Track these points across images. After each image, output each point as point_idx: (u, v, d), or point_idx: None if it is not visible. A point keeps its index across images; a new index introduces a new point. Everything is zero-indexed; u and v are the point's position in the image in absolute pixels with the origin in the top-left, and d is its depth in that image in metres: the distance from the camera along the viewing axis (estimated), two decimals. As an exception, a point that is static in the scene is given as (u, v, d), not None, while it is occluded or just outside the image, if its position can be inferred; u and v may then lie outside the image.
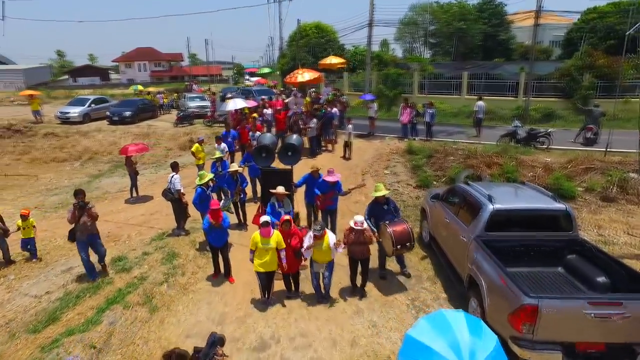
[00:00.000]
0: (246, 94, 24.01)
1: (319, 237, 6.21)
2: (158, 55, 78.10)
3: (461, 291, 6.47)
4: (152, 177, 14.89)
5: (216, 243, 7.31)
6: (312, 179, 8.75)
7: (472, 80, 23.29)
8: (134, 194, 12.44)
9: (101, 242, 7.57)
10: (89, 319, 6.16)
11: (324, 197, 8.43)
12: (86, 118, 23.41)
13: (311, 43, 35.89)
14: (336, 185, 8.41)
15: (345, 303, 6.80)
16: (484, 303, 5.26)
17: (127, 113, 22.96)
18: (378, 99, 25.71)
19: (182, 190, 9.35)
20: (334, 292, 6.97)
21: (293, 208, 9.17)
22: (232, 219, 10.15)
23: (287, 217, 6.64)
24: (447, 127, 18.65)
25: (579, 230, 6.19)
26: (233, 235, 9.41)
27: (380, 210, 7.29)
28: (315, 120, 14.14)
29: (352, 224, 6.47)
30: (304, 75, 14.50)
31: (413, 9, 49.04)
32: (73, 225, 7.15)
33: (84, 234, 7.08)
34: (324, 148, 15.64)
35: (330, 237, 6.35)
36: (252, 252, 6.41)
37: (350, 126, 14.14)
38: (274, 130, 16.01)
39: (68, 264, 8.26)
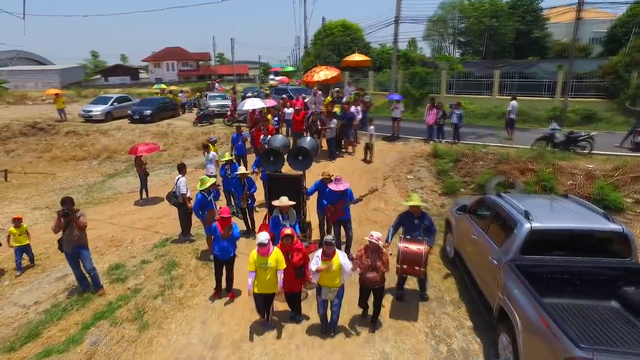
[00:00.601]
0: (280, 92, 23.09)
1: (327, 257, 5.38)
2: (186, 55, 79.18)
3: (490, 321, 5.54)
4: (165, 178, 14.48)
5: (222, 256, 6.57)
6: (324, 187, 7.97)
7: (504, 79, 21.90)
8: (144, 196, 12.02)
9: (89, 255, 6.82)
10: (70, 337, 5.61)
11: (334, 207, 7.61)
12: (108, 116, 23.45)
13: (336, 41, 35.12)
14: (346, 193, 7.57)
15: (354, 329, 5.99)
16: (518, 344, 4.35)
17: (148, 112, 22.83)
18: (404, 99, 24.74)
19: (188, 195, 8.78)
20: (341, 317, 6.12)
21: (305, 217, 8.44)
22: (239, 225, 9.53)
23: (288, 230, 5.85)
24: (477, 129, 17.48)
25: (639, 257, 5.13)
26: (239, 243, 8.74)
27: (411, 224, 6.44)
28: (334, 120, 13.35)
29: (367, 238, 5.58)
30: (320, 74, 13.67)
31: (442, 6, 47.38)
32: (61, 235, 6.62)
33: (70, 245, 6.50)
34: (344, 150, 14.83)
35: (341, 258, 5.45)
36: (253, 274, 5.62)
37: (371, 127, 13.28)
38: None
39: (65, 270, 7.74)
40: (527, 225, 5.01)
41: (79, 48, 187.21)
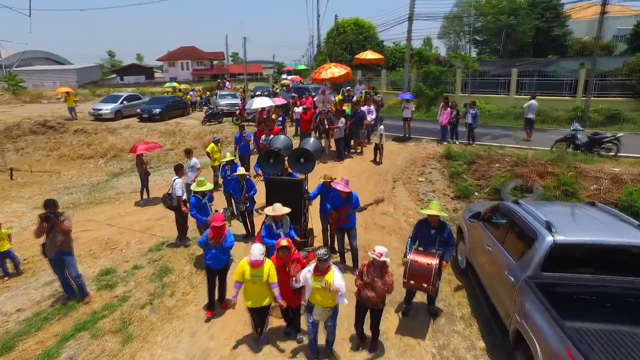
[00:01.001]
0: (300, 91, 22.58)
1: (321, 273, 4.73)
2: (200, 54, 79.57)
3: (505, 345, 4.95)
4: (169, 178, 14.07)
5: (215, 265, 6.01)
6: (326, 190, 7.45)
7: (522, 78, 21.02)
8: (145, 196, 11.69)
9: (74, 262, 6.41)
10: (46, 351, 5.21)
11: (337, 214, 7.02)
12: (118, 115, 23.37)
13: (348, 39, 34.51)
14: (350, 198, 6.97)
15: (353, 349, 5.45)
16: (538, 375, 3.77)
17: (157, 110, 22.68)
18: (417, 99, 24.02)
19: (184, 197, 8.36)
20: (338, 334, 5.57)
21: (306, 223, 7.92)
22: (238, 228, 9.11)
23: (284, 241, 5.21)
24: (492, 130, 16.72)
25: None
26: (237, 248, 8.31)
27: (427, 235, 5.77)
28: (342, 120, 12.81)
29: (370, 254, 4.90)
30: (329, 72, 13.07)
31: (458, 4, 46.35)
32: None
33: (53, 250, 6.11)
34: (352, 151, 14.28)
35: (335, 276, 4.72)
36: (238, 285, 5.14)
37: (381, 127, 12.68)
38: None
39: (54, 275, 7.44)
40: (549, 239, 4.40)
41: (98, 48, 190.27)
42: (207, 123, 21.55)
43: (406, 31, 23.28)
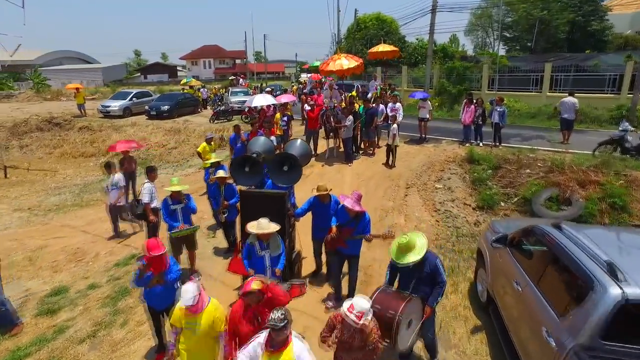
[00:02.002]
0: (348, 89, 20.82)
1: (274, 349, 3.10)
2: (222, 53, 79.73)
3: None
4: (164, 180, 13.08)
5: (159, 305, 4.63)
6: (321, 205, 6.05)
7: (557, 73, 19.04)
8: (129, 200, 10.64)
9: None
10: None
11: (339, 233, 5.42)
12: (127, 112, 22.72)
13: (369, 35, 32.98)
14: (362, 219, 5.37)
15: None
16: None
17: (165, 107, 21.86)
18: (440, 97, 22.34)
19: (153, 204, 7.21)
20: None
21: (292, 245, 6.50)
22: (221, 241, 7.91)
23: (254, 284, 3.54)
24: (522, 130, 14.95)
25: None
26: (216, 266, 7.13)
27: (404, 270, 4.28)
28: (350, 118, 11.44)
29: (344, 310, 3.29)
30: (337, 63, 11.61)
31: (487, -2, 44.11)
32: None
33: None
34: (362, 151, 12.88)
35: (298, 352, 3.11)
36: (175, 333, 3.81)
37: (394, 126, 11.21)
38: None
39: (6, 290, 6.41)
40: (615, 292, 2.93)
41: (126, 48, 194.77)
42: (216, 121, 20.54)
43: (429, 24, 21.69)
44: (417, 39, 33.99)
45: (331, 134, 12.43)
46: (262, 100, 13.59)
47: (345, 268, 5.88)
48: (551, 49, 35.92)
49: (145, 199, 7.04)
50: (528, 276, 4.16)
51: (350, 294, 5.69)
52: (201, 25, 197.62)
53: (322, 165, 11.95)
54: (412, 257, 4.01)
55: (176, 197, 6.29)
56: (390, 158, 11.51)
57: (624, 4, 34.01)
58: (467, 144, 12.71)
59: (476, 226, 8.73)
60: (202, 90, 26.85)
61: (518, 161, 10.57)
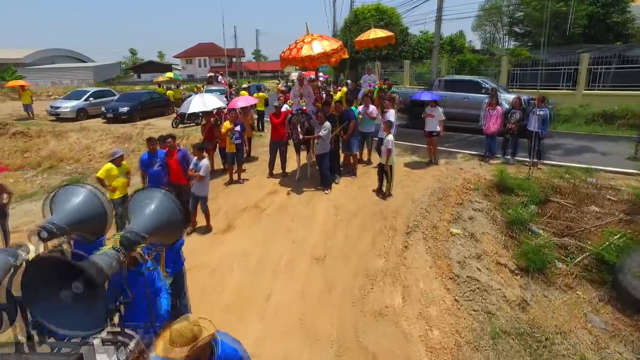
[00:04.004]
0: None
1: None
2: (218, 51, 76.81)
3: None
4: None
5: None
6: None
7: (595, 66, 15.45)
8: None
9: None
10: None
11: None
12: (81, 114, 19.31)
13: (367, 27, 29.34)
14: None
15: None
16: None
17: (124, 109, 18.43)
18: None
19: None
20: None
21: None
22: None
23: None
24: (561, 139, 11.40)
25: None
26: None
27: None
28: (327, 125, 7.95)
29: None
30: (313, 46, 7.95)
31: (497, -12, 40.48)
32: None
33: None
34: (344, 170, 9.39)
35: None
36: None
37: (389, 138, 7.67)
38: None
39: None
40: None
41: (122, 47, 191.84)
42: (180, 125, 17.09)
43: (434, 10, 18.14)
44: (420, 32, 30.45)
45: (302, 146, 8.92)
46: (198, 104, 9.94)
47: None
48: (565, 44, 32.39)
49: None
50: None
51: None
52: (201, 23, 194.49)
53: (288, 193, 8.46)
54: None
55: None
56: (384, 183, 7.99)
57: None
58: (493, 161, 9.19)
59: (523, 310, 5.23)
60: (180, 88, 23.25)
61: (575, 191, 7.06)
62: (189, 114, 16.75)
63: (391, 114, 9.10)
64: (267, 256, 6.39)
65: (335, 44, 8.11)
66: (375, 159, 9.49)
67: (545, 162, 8.85)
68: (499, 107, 8.98)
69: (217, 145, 9.92)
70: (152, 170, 7.24)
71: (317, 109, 8.57)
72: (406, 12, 25.87)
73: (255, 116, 15.46)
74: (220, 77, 23.96)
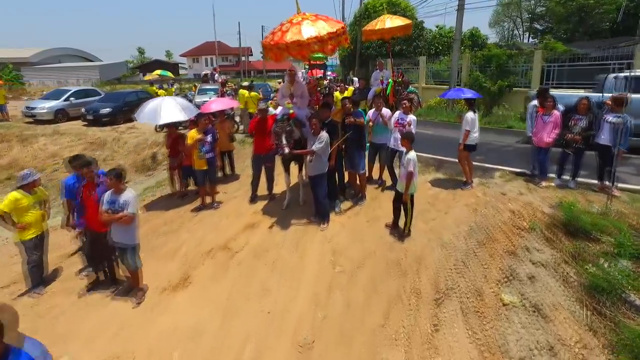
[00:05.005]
0: None
1: None
2: (226, 49, 75.46)
3: None
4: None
5: None
6: None
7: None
8: None
9: None
10: None
11: None
12: (60, 115, 17.44)
13: (378, 21, 27.04)
14: None
15: None
16: None
17: (105, 110, 16.52)
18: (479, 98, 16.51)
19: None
20: None
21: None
22: None
23: None
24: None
25: None
26: None
27: None
28: (323, 136, 5.77)
29: None
30: (303, 29, 5.74)
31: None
32: None
33: None
34: (353, 191, 7.19)
35: None
36: None
37: (411, 156, 5.39)
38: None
39: None
40: None
41: (131, 46, 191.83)
42: (165, 129, 14.86)
43: (452, 0, 15.82)
44: (436, 26, 28.03)
45: (293, 163, 6.74)
46: (150, 114, 7.32)
47: None
48: (590, 40, 29.78)
49: None
50: None
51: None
52: (210, 21, 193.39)
53: (271, 227, 6.29)
54: None
55: None
56: (402, 217, 5.77)
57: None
58: (544, 183, 6.91)
59: None
60: (172, 86, 21.25)
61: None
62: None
63: (412, 121, 6.86)
64: (227, 339, 4.23)
65: (335, 26, 5.86)
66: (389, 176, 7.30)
67: (622, 186, 6.53)
68: (556, 112, 6.70)
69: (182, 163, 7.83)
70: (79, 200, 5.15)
71: (311, 114, 6.37)
72: (421, 4, 23.43)
73: (239, 126, 13.38)
74: (216, 74, 21.86)
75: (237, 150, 10.04)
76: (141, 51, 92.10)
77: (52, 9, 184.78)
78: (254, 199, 7.46)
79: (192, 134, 7.03)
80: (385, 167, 7.49)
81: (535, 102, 7.29)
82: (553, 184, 6.86)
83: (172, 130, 7.91)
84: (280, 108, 6.58)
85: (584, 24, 30.65)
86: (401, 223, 5.82)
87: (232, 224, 6.55)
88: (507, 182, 7.34)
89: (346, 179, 7.21)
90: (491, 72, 16.13)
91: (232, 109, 9.99)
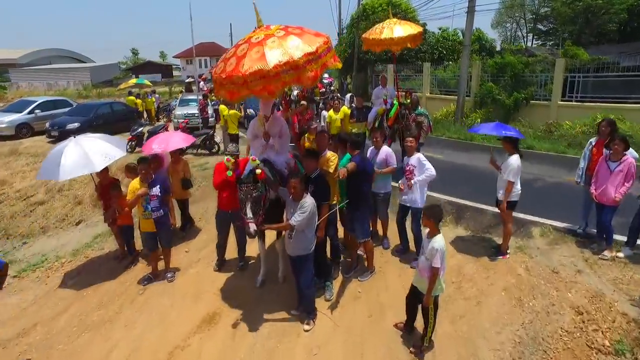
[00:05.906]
0: None
1: None
2: (220, 51, 73.48)
3: None
4: None
5: None
6: None
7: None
8: None
9: None
10: None
11: None
12: (24, 130, 15.63)
13: (378, 23, 25.24)
14: None
15: None
16: None
17: (72, 126, 14.49)
18: (483, 109, 14.73)
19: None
20: None
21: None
22: None
23: None
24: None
25: None
26: None
27: None
28: (308, 204, 3.96)
29: None
30: (256, 56, 3.49)
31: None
32: None
33: None
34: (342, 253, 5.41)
35: None
36: None
37: (437, 245, 3.57)
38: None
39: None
40: None
41: (124, 48, 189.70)
42: (138, 148, 12.62)
43: (458, 1, 14.04)
44: (439, 29, 26.24)
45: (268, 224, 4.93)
46: (49, 167, 5.20)
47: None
48: (596, 43, 28.22)
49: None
50: None
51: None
52: (206, 23, 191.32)
53: (235, 326, 4.47)
54: None
55: None
56: (418, 319, 3.99)
57: None
58: (608, 253, 5.12)
59: None
60: (152, 96, 19.32)
61: None
62: (150, 133, 12.73)
63: (428, 170, 5.04)
64: None
65: (314, 42, 3.94)
66: (393, 232, 5.54)
67: None
68: (628, 156, 4.91)
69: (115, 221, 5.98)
70: None
71: (294, 159, 4.58)
72: (424, 5, 21.65)
73: (219, 147, 11.56)
74: (202, 82, 19.97)
75: (207, 184, 8.17)
76: (135, 52, 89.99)
77: (49, 10, 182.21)
78: (220, 265, 5.68)
79: (133, 185, 5.22)
80: (389, 220, 5.69)
81: (592, 140, 5.51)
82: (621, 255, 5.08)
83: (104, 175, 5.97)
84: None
85: (590, 26, 29.05)
86: (417, 325, 4.05)
87: (184, 315, 4.74)
88: (553, 247, 5.55)
89: (340, 232, 5.38)
90: (505, 82, 14.37)
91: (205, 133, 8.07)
